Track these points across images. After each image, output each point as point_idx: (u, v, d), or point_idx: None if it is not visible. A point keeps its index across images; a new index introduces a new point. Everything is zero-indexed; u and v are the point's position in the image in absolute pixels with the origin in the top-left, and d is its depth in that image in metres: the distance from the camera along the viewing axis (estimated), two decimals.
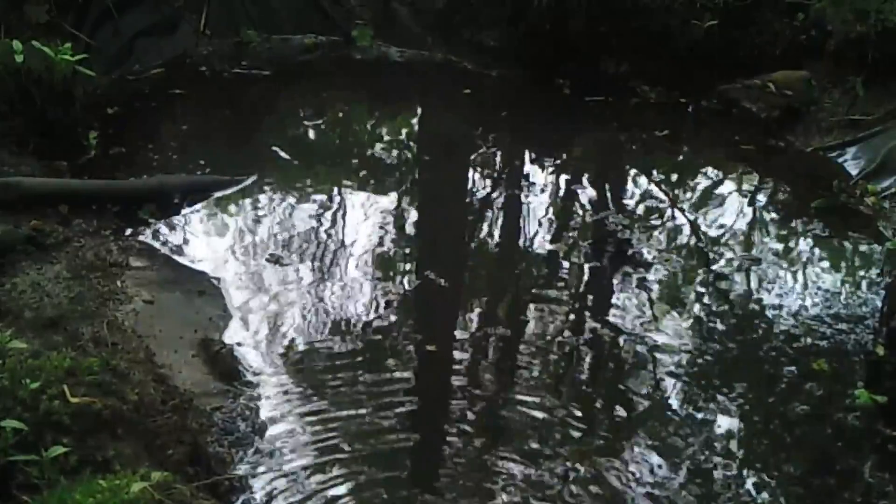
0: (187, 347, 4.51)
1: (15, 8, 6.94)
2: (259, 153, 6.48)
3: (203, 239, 5.58)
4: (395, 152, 6.78)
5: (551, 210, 6.05)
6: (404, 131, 7.26)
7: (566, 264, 5.46)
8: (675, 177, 6.59)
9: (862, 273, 5.53)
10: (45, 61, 5.83)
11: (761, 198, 6.29)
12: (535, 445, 4.09)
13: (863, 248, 5.74)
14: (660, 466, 4.01)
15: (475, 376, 4.56)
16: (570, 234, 5.78)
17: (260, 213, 5.86)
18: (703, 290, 5.25)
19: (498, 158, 6.88)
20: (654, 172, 6.45)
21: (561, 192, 6.26)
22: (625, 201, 6.08)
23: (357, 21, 8.08)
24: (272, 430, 4.09)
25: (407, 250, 5.56)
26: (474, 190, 6.39)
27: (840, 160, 6.51)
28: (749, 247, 5.68)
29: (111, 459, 3.25)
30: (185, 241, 5.52)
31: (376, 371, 4.52)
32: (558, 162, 6.62)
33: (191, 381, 4.25)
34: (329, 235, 5.66)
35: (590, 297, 5.24)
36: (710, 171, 6.70)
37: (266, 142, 6.63)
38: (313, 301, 5.04)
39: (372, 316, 4.94)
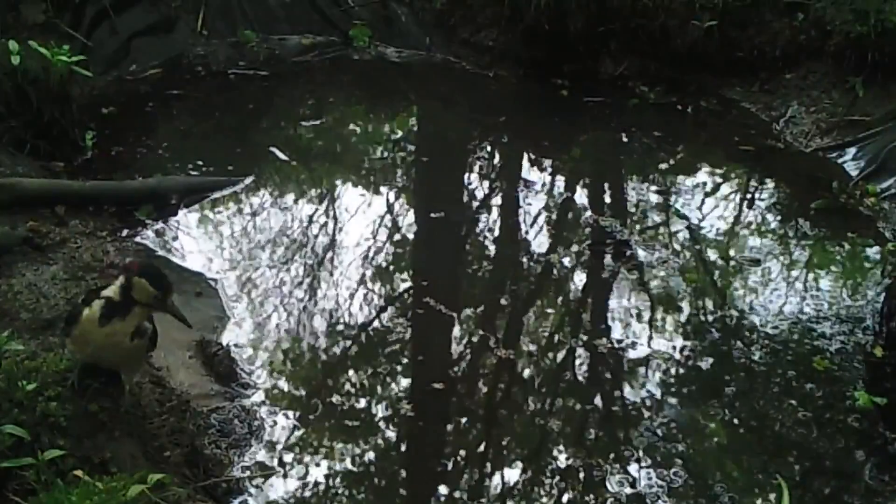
0: (184, 349, 4.49)
1: (11, 8, 6.92)
2: (256, 154, 6.46)
3: (200, 240, 5.56)
4: (393, 153, 6.76)
5: (550, 211, 6.03)
6: (402, 132, 7.24)
7: (564, 265, 5.44)
8: (673, 177, 6.56)
9: (861, 274, 5.52)
10: (41, 62, 5.81)
11: (761, 198, 6.27)
12: (533, 448, 4.08)
13: (862, 249, 5.73)
14: (659, 468, 4.00)
15: (473, 378, 4.55)
16: (569, 235, 5.77)
17: (257, 214, 5.84)
18: (702, 291, 5.23)
19: (496, 159, 6.87)
20: (653, 173, 6.43)
21: (560, 193, 6.25)
22: (623, 202, 6.07)
23: (355, 21, 8.07)
24: (269, 432, 4.07)
25: (404, 251, 5.54)
26: (473, 191, 6.37)
27: (840, 160, 6.50)
28: (748, 248, 5.67)
29: (108, 461, 3.23)
30: (182, 243, 5.50)
31: (373, 372, 4.51)
32: (557, 163, 6.61)
33: (188, 382, 4.23)
34: (326, 237, 5.65)
35: (588, 298, 5.22)
36: (709, 171, 6.68)
37: (263, 142, 6.61)
38: (310, 302, 5.02)
39: (369, 317, 4.92)
